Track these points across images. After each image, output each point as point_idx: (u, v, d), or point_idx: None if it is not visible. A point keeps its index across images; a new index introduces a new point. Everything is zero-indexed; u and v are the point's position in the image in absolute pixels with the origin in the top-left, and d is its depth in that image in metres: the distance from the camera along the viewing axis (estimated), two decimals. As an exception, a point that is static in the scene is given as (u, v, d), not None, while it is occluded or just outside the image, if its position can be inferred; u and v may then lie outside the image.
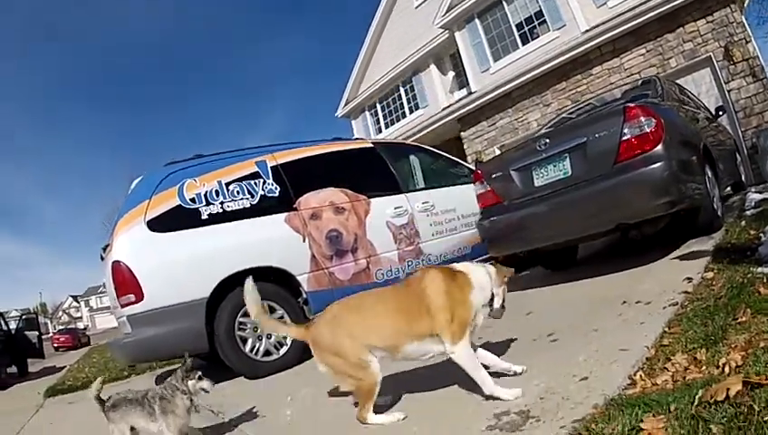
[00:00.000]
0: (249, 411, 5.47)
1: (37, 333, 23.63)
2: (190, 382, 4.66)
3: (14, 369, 21.35)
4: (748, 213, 8.64)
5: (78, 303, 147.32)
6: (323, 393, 5.26)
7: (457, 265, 4.43)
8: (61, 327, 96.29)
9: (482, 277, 4.32)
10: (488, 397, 3.86)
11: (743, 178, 12.84)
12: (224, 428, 5.16)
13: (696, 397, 2.83)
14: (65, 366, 22.40)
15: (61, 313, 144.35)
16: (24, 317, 25.11)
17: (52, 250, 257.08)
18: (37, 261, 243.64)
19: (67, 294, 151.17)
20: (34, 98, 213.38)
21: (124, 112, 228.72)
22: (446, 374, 4.71)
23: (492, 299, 4.34)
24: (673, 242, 7.71)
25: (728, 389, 2.75)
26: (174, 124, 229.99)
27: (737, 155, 13.21)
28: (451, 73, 27.80)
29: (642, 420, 2.80)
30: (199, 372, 4.74)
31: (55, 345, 57.54)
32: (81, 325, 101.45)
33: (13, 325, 23.72)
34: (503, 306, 4.43)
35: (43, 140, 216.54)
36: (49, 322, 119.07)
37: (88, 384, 11.60)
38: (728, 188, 11.03)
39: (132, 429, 4.66)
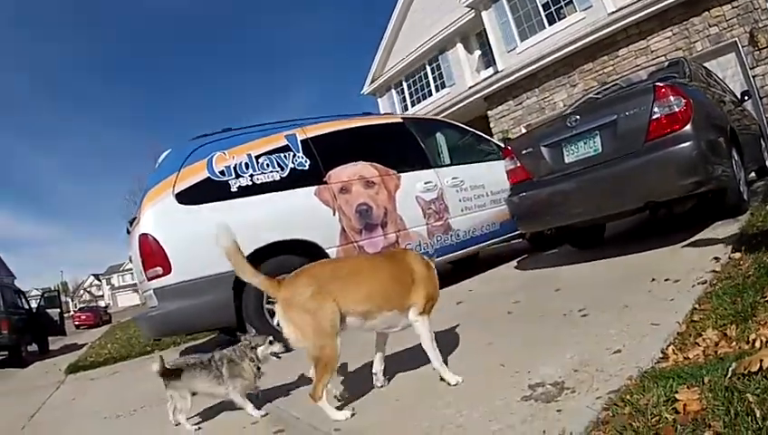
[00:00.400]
0: (279, 386, 5.45)
1: (59, 310, 23.68)
2: (259, 349, 4.75)
3: (34, 347, 21.54)
4: (774, 197, 8.58)
5: (99, 281, 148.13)
6: (352, 366, 5.29)
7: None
8: (82, 305, 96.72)
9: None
10: (443, 378, 4.13)
11: (767, 163, 12.79)
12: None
13: (730, 369, 2.87)
14: (86, 343, 22.47)
15: (82, 291, 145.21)
16: (45, 295, 25.10)
17: (72, 229, 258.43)
18: (58, 240, 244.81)
19: (88, 272, 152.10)
20: (56, 74, 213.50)
21: (148, 88, 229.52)
22: (475, 347, 4.82)
23: None
24: (699, 223, 7.73)
25: (761, 360, 2.76)
26: (196, 101, 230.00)
27: (762, 141, 13.13)
28: (477, 52, 27.82)
29: (677, 392, 2.81)
30: (270, 337, 4.83)
31: (76, 323, 57.40)
32: (102, 304, 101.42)
33: (34, 304, 23.80)
34: None
35: (65, 117, 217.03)
36: (70, 300, 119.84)
37: (110, 361, 11.77)
38: (752, 174, 10.98)
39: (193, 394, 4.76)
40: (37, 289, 76.50)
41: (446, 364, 4.30)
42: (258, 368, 4.75)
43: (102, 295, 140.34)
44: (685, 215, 8.67)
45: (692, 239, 7.00)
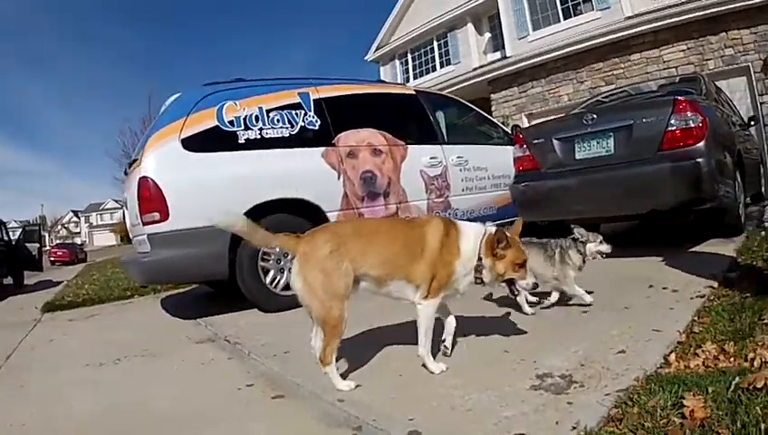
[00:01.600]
0: (269, 344, 5.47)
1: (38, 245, 23.43)
2: (590, 244, 5.33)
3: (9, 280, 21.35)
4: (767, 224, 8.77)
5: (78, 218, 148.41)
6: (347, 335, 5.15)
7: (462, 225, 4.37)
8: (59, 241, 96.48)
9: (470, 246, 4.21)
10: (425, 365, 4.09)
11: (763, 189, 12.90)
12: (246, 360, 5.19)
13: (733, 383, 2.99)
14: (62, 281, 22.02)
15: (60, 227, 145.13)
16: (26, 228, 24.87)
17: (56, 163, 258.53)
18: (40, 173, 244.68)
19: (68, 208, 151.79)
20: (51, 4, 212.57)
21: (147, 29, 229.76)
22: (475, 333, 4.87)
23: (480, 268, 4.20)
24: (695, 238, 7.92)
25: (766, 378, 2.92)
26: (194, 50, 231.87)
27: (761, 167, 13.27)
28: (487, 35, 27.89)
29: (683, 397, 2.92)
30: (601, 237, 5.28)
31: (52, 259, 56.99)
32: (78, 241, 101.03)
33: (15, 237, 23.50)
34: (510, 282, 4.29)
35: (58, 48, 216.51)
36: (47, 235, 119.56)
37: (88, 302, 11.64)
38: (748, 198, 11.08)
39: None
40: (16, 221, 76.27)
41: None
42: (584, 261, 5.31)
43: (79, 232, 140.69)
44: (681, 228, 8.79)
45: (688, 253, 7.25)
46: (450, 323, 4.44)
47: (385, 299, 4.31)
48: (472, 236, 4.26)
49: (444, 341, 4.44)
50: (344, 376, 4.07)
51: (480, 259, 4.19)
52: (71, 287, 17.55)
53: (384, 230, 4.33)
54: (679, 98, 7.14)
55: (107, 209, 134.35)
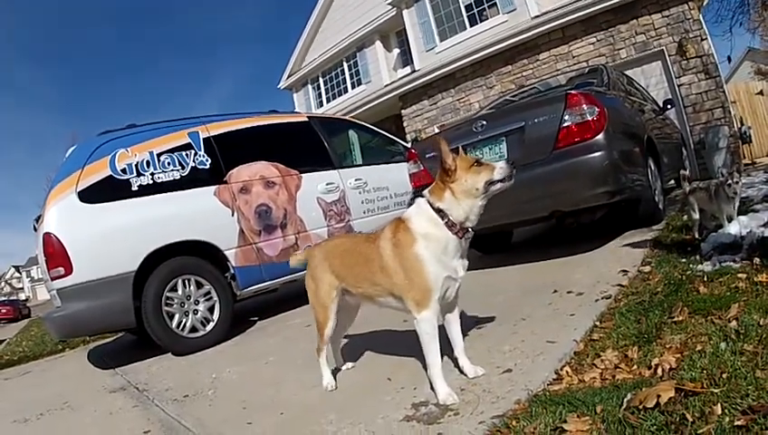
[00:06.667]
0: (172, 389, 5.47)
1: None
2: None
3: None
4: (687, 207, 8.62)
5: (20, 273, 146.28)
6: (246, 372, 5.34)
7: (406, 213, 3.74)
8: (2, 298, 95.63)
9: (422, 217, 3.60)
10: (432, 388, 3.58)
11: (687, 171, 12.90)
12: (149, 407, 5.11)
13: (625, 400, 2.74)
14: (5, 340, 22.33)
15: (3, 283, 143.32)
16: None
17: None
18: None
19: (9, 264, 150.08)
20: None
21: (69, 74, 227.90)
22: (365, 357, 4.88)
23: (450, 222, 3.51)
24: (611, 232, 7.76)
25: (659, 395, 2.66)
26: (117, 92, 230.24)
27: (683, 149, 13.27)
28: (396, 51, 27.75)
29: (566, 421, 2.70)
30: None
31: (-3, 317, 56.66)
32: (22, 296, 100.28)
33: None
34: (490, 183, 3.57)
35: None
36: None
37: (24, 360, 11.72)
38: (671, 181, 11.01)
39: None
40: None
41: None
42: (736, 192, 5.92)
43: (22, 288, 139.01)
44: (597, 223, 8.75)
45: (601, 249, 7.04)
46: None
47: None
48: (415, 210, 3.69)
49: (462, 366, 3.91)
50: (232, 414, 4.25)
51: (440, 211, 3.55)
52: (10, 346, 18.03)
53: (349, 248, 4.26)
54: (572, 92, 6.88)
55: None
